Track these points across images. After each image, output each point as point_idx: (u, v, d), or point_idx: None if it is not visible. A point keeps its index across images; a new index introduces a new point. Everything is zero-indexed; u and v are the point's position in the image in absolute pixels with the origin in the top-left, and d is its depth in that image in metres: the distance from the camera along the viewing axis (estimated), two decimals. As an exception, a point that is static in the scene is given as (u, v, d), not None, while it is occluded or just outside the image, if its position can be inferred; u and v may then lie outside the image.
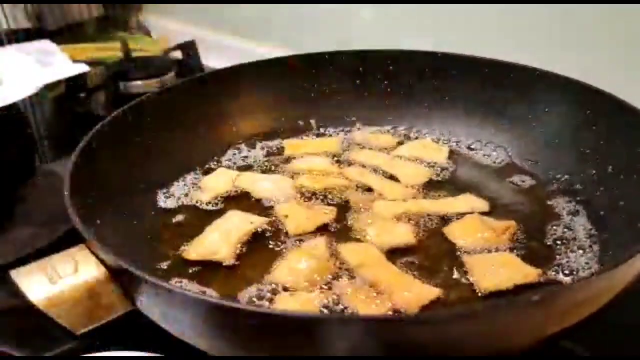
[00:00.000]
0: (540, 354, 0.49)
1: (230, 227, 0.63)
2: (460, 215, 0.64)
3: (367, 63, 0.83)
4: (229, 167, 0.76)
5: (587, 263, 0.57)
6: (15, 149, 0.86)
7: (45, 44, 1.04)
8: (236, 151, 0.79)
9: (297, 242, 0.62)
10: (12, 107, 0.84)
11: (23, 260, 0.52)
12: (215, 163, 0.77)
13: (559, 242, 0.60)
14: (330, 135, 0.82)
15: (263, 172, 0.75)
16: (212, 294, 0.55)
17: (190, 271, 0.59)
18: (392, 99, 0.83)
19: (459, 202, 0.66)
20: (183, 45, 1.19)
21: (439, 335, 0.41)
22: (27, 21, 1.28)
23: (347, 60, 0.84)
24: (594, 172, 0.65)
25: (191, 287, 0.56)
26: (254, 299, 0.55)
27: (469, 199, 0.67)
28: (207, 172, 0.74)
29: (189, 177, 0.73)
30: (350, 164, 0.75)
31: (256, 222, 0.64)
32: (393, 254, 0.60)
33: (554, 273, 0.56)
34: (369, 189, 0.70)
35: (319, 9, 1.08)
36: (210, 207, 0.68)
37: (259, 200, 0.69)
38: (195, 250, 0.61)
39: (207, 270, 0.59)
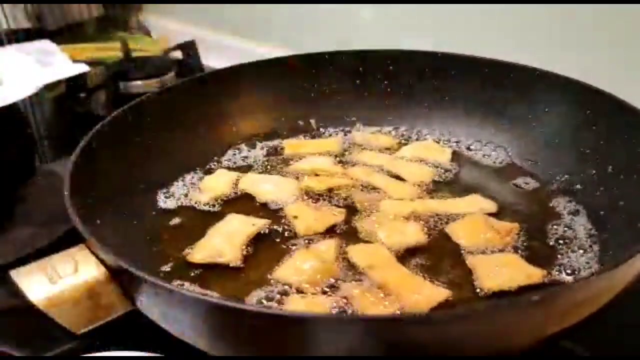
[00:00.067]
0: (540, 354, 0.49)
1: (232, 230, 0.63)
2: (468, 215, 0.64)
3: (367, 63, 0.83)
4: (228, 167, 0.76)
5: (587, 262, 0.57)
6: (15, 149, 0.86)
7: (45, 44, 1.04)
8: (236, 151, 0.79)
9: (308, 242, 0.61)
10: (12, 107, 0.84)
11: (23, 260, 0.52)
12: (215, 163, 0.77)
13: (561, 241, 0.60)
14: (330, 135, 0.82)
15: (264, 172, 0.75)
16: (214, 295, 0.55)
17: (192, 274, 0.59)
18: (392, 99, 0.83)
19: (467, 203, 0.66)
20: (183, 45, 1.19)
21: (439, 335, 0.41)
22: (27, 21, 1.28)
23: (347, 60, 0.84)
24: (594, 172, 0.65)
25: (197, 290, 0.56)
26: (263, 300, 0.54)
27: (476, 199, 0.66)
28: (207, 172, 0.74)
29: (189, 177, 0.73)
30: (354, 164, 0.75)
31: (258, 223, 0.64)
32: (402, 255, 0.59)
33: (557, 273, 0.56)
34: (374, 189, 0.70)
35: (319, 9, 1.08)
36: (209, 209, 0.68)
37: (258, 201, 0.69)
38: (200, 253, 0.60)
39: (211, 272, 0.59)
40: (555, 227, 0.62)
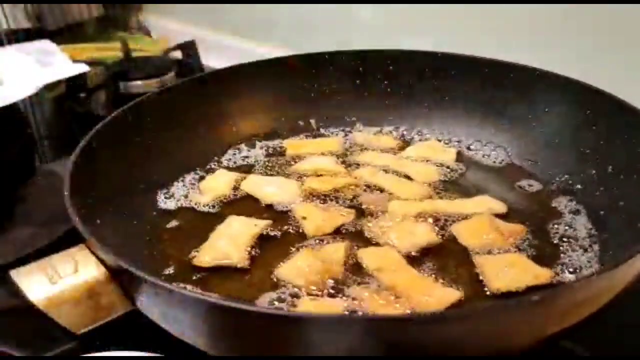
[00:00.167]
0: (540, 354, 0.49)
1: (234, 232, 0.62)
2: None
3: (367, 63, 0.83)
4: (229, 168, 0.76)
5: (588, 262, 0.57)
6: (15, 149, 0.85)
7: (45, 44, 1.04)
8: (236, 151, 0.79)
9: (317, 243, 0.61)
10: (12, 107, 0.84)
11: (23, 260, 0.52)
12: (215, 163, 0.77)
13: (564, 239, 0.60)
14: (330, 135, 0.82)
15: (266, 173, 0.75)
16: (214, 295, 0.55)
17: (194, 277, 0.58)
18: (392, 99, 0.83)
19: (475, 203, 0.66)
20: (183, 45, 1.19)
21: (439, 335, 0.41)
22: (27, 21, 1.28)
23: (347, 60, 0.84)
24: (594, 172, 0.65)
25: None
26: (275, 302, 0.54)
27: (485, 200, 0.66)
28: (207, 172, 0.74)
29: (189, 178, 0.73)
30: (357, 164, 0.75)
31: (260, 224, 0.63)
32: (411, 256, 0.59)
33: (560, 272, 0.56)
34: (379, 189, 0.69)
35: (319, 9, 1.08)
36: (209, 210, 0.68)
37: (258, 201, 0.69)
38: (207, 255, 0.60)
39: (215, 275, 0.59)
40: (556, 226, 0.62)
